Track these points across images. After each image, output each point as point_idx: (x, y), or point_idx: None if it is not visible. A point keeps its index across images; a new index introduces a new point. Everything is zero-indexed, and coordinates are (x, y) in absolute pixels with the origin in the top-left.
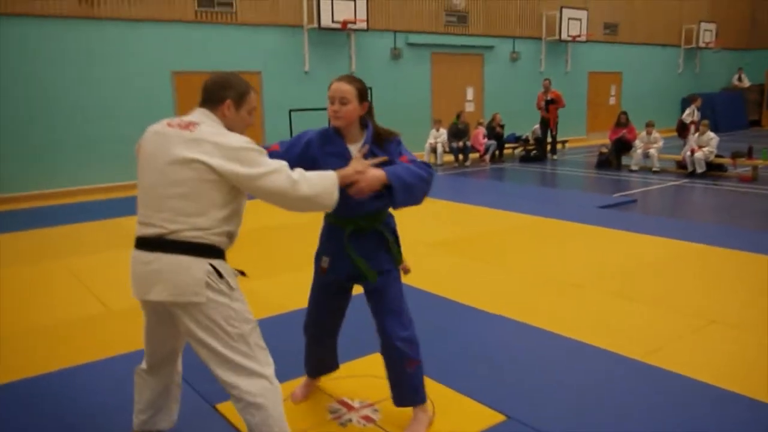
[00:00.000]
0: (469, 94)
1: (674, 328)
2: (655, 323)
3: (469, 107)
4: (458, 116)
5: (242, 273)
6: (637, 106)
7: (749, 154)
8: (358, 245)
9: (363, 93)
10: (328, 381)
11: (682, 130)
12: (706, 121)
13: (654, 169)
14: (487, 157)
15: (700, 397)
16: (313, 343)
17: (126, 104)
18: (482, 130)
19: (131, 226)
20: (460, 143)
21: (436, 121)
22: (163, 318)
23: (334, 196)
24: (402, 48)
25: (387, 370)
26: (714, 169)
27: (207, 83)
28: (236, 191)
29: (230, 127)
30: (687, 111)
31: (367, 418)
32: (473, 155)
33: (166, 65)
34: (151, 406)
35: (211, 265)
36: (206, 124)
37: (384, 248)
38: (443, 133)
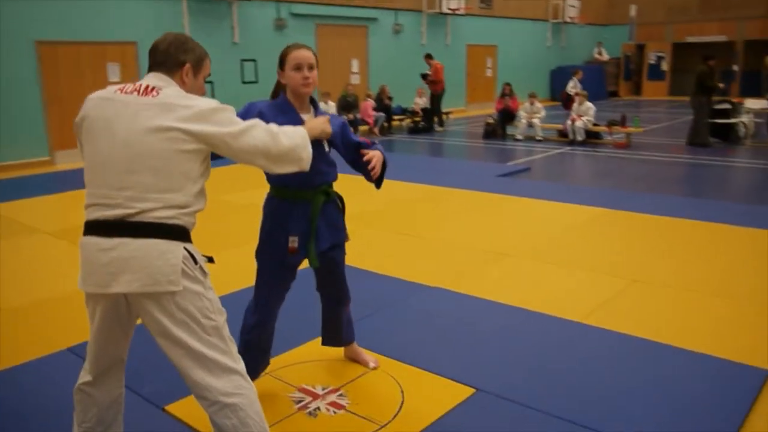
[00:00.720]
0: (354, 66)
1: (602, 289)
2: (584, 286)
3: (355, 79)
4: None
5: (210, 259)
6: (511, 78)
7: (623, 122)
8: (324, 216)
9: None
10: (282, 369)
11: (567, 101)
12: (585, 92)
13: (537, 137)
14: (377, 129)
15: (644, 352)
16: (262, 336)
17: None
18: (371, 103)
19: (5, 213)
20: (350, 115)
21: (324, 93)
22: (120, 315)
23: (309, 149)
24: (286, 18)
25: (334, 319)
26: (592, 137)
27: (161, 45)
28: (207, 164)
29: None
30: (570, 83)
31: (336, 405)
32: (363, 128)
33: (30, 34)
34: (101, 422)
35: (186, 250)
36: (168, 88)
37: (342, 217)
38: (332, 105)
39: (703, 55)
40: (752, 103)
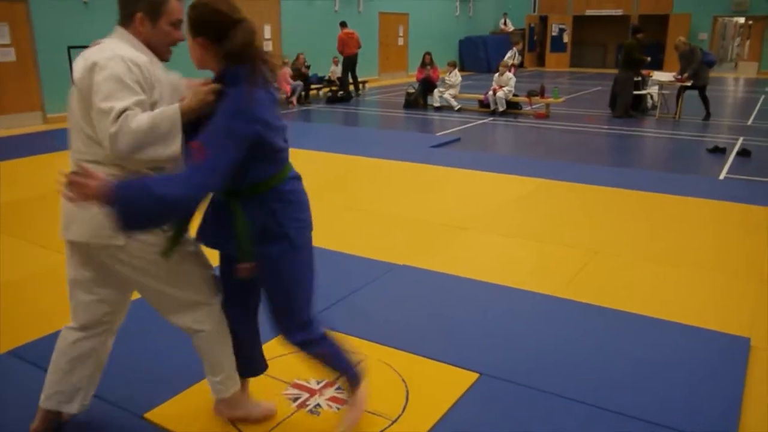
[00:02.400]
0: (267, 32)
1: (569, 262)
2: (550, 259)
3: (267, 47)
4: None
5: None
6: (422, 47)
7: (542, 93)
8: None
9: None
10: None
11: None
12: (508, 63)
13: (456, 108)
14: (294, 98)
15: (630, 325)
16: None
17: None
18: (288, 71)
19: None
20: None
21: None
22: (87, 261)
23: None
24: None
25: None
26: (511, 107)
27: None
28: None
29: (152, 46)
30: (509, 54)
31: (337, 400)
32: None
33: None
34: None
35: None
36: (106, 41)
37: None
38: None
39: (632, 27)
40: (659, 76)
